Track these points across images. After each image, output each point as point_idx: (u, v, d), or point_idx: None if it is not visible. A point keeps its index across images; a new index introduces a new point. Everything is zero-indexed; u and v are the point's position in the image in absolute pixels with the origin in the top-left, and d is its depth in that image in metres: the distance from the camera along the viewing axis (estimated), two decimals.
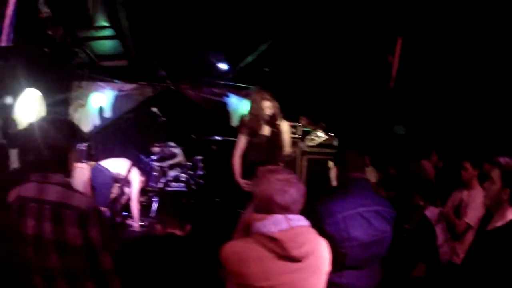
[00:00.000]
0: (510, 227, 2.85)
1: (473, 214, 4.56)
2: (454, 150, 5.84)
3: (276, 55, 8.33)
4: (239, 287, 2.36)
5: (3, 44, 5.34)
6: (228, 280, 2.47)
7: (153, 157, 9.09)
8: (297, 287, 2.32)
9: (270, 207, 2.35)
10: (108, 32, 7.96)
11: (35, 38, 6.90)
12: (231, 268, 2.37)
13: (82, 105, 10.06)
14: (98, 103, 10.15)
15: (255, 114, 5.49)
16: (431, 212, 4.82)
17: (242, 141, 5.66)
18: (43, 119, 7.38)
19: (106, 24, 7.54)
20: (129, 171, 7.05)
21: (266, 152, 5.50)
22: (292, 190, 2.38)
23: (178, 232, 3.69)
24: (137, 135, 10.29)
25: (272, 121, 5.46)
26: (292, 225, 2.32)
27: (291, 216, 2.36)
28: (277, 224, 2.30)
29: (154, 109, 8.61)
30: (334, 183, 5.64)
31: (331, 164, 6.71)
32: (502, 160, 2.91)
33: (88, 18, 7.27)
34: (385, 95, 6.74)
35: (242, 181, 5.54)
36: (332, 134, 6.14)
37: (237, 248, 2.40)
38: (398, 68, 6.11)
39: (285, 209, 2.36)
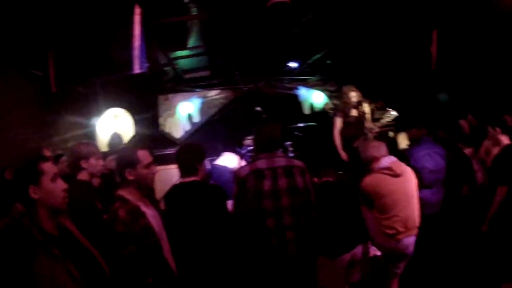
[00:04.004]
0: (503, 151, 5.55)
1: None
2: (486, 112, 7.24)
3: (337, 51, 10.18)
4: (375, 200, 5.01)
5: (137, 71, 6.85)
6: (366, 201, 5.08)
7: (248, 148, 10.10)
8: (404, 190, 5.05)
9: (378, 155, 5.02)
10: (198, 50, 10.03)
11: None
12: (371, 190, 5.05)
13: (171, 115, 12.07)
14: (186, 111, 12.12)
15: (346, 101, 7.98)
16: (468, 151, 6.75)
17: (338, 122, 8.11)
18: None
19: (198, 44, 9.58)
20: (239, 163, 7.75)
21: (356, 128, 7.91)
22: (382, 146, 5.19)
23: (331, 179, 5.24)
24: (227, 132, 11.80)
25: (358, 105, 7.89)
26: (392, 160, 5.08)
27: (390, 156, 5.13)
28: (386, 161, 5.07)
29: (258, 108, 10.16)
30: (401, 145, 8.06)
31: (391, 133, 9.30)
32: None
33: (184, 42, 9.44)
34: (429, 74, 8.36)
35: (343, 153, 7.95)
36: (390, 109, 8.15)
37: (372, 179, 5.10)
38: (438, 53, 7.76)
39: (381, 155, 5.07)
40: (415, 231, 5.06)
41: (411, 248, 5.10)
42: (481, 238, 5.58)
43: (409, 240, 5.04)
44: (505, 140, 5.63)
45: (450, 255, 5.94)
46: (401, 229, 4.93)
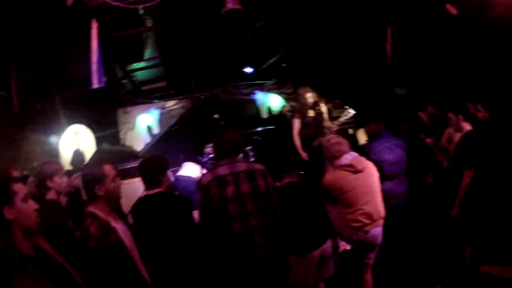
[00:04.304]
0: (466, 136, 5.70)
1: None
2: (445, 102, 7.17)
3: (292, 53, 10.26)
4: (338, 196, 5.15)
5: (96, 86, 6.82)
6: (329, 197, 5.19)
7: (209, 156, 10.10)
8: (366, 185, 5.19)
9: (339, 153, 5.10)
10: (154, 61, 10.02)
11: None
12: (333, 187, 5.19)
13: (131, 128, 11.98)
14: (145, 123, 12.06)
15: (303, 103, 8.15)
16: (429, 141, 6.95)
17: (297, 123, 8.30)
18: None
19: (154, 55, 9.56)
20: (201, 171, 7.93)
21: (314, 128, 8.08)
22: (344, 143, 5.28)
23: (293, 179, 5.21)
24: (187, 141, 11.58)
25: (314, 106, 8.05)
26: (353, 156, 5.18)
27: (351, 153, 5.23)
28: (347, 158, 5.16)
29: (216, 116, 10.15)
30: (361, 141, 8.24)
31: (350, 131, 9.55)
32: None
33: (141, 54, 9.38)
34: (384, 70, 8.40)
35: (303, 153, 8.11)
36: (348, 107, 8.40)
37: (333, 176, 5.24)
38: (392, 49, 7.89)
39: (343, 152, 5.17)
40: (381, 222, 5.21)
41: (379, 238, 5.25)
42: (451, 224, 5.77)
43: (377, 230, 5.19)
44: (467, 126, 5.80)
45: (421, 244, 6.14)
46: (366, 221, 5.07)
